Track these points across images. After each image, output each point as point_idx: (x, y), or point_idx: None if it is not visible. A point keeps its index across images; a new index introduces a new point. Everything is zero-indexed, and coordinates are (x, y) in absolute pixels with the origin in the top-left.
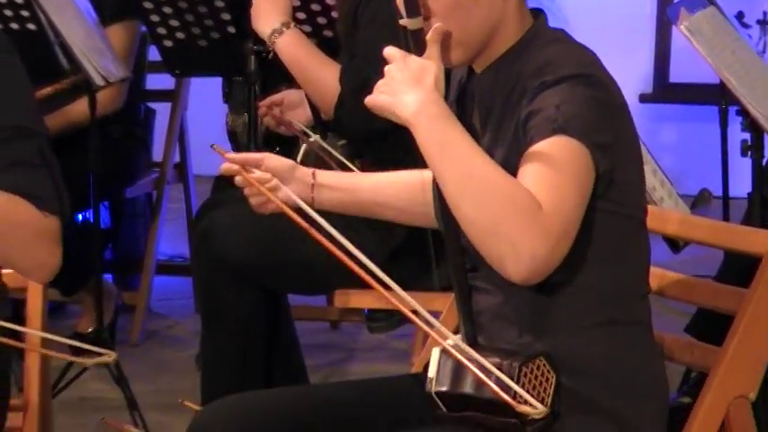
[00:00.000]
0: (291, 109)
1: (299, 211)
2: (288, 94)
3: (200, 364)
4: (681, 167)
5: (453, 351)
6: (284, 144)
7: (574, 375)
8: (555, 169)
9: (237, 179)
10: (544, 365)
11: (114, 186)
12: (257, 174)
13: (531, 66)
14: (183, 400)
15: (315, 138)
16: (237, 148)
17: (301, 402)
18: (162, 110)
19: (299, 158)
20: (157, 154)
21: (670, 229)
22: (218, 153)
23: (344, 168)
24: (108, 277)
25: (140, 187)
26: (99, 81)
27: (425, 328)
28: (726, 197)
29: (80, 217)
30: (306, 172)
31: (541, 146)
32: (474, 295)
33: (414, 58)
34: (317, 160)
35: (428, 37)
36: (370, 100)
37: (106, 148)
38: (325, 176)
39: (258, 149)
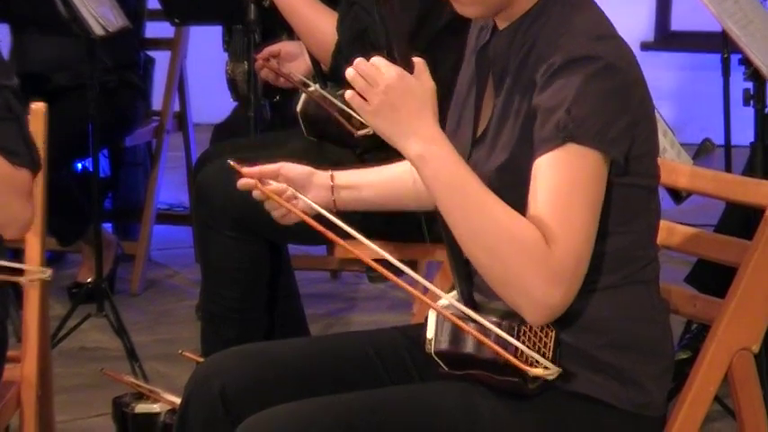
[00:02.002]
0: (290, 60)
1: (320, 216)
2: (285, 45)
3: (201, 315)
4: (682, 116)
5: (446, 313)
6: (284, 93)
7: (576, 333)
8: (564, 193)
9: (255, 194)
10: None
11: (113, 135)
12: (274, 186)
13: (548, 32)
14: (184, 350)
15: (314, 87)
16: (237, 96)
17: (303, 355)
18: (161, 58)
19: (299, 107)
20: (157, 103)
21: (674, 181)
22: (235, 169)
23: (345, 116)
24: (107, 226)
25: (140, 136)
26: (98, 30)
27: (416, 293)
28: (728, 146)
29: (79, 166)
30: (324, 176)
31: (549, 163)
32: None
33: (410, 79)
34: (317, 109)
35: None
36: (368, 120)
37: (105, 97)
38: (345, 176)
39: (257, 98)
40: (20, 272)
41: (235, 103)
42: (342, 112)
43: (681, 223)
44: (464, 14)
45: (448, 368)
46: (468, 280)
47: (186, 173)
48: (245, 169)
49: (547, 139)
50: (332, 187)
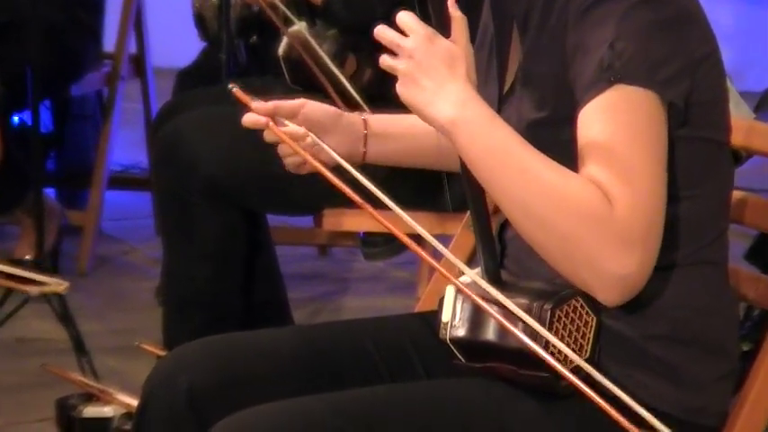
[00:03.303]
0: None
1: (340, 170)
2: None
3: (163, 299)
4: (743, 60)
5: (467, 290)
6: (263, 33)
7: (621, 319)
8: (621, 143)
9: (266, 134)
10: (582, 307)
11: (57, 82)
12: (291, 127)
13: None
14: (141, 342)
15: (299, 26)
16: (206, 36)
17: (285, 347)
18: None
19: (281, 50)
20: (109, 43)
21: (732, 139)
22: (236, 95)
23: (327, 73)
24: (50, 192)
25: (89, 83)
26: None
27: (432, 262)
28: None
29: (16, 119)
30: (355, 120)
31: (599, 110)
32: (497, 219)
33: (441, 41)
34: (299, 58)
35: (450, 6)
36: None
37: (47, 37)
38: (382, 123)
39: (230, 37)
40: None
41: (203, 44)
42: (326, 69)
43: (738, 189)
44: None
45: (465, 359)
46: (493, 254)
47: (145, 128)
48: (255, 102)
49: (590, 83)
50: (365, 136)
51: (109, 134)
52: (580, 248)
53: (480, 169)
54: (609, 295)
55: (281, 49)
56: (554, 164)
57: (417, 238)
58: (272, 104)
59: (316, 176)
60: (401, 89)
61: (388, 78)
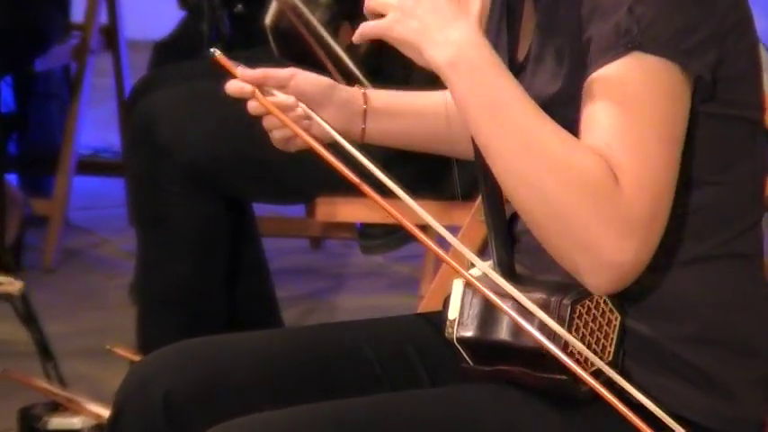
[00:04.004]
0: None
1: (335, 148)
2: None
3: (137, 297)
4: None
5: (478, 284)
6: (249, 1)
7: (646, 318)
8: (632, 115)
9: (251, 105)
10: (605, 303)
11: (20, 56)
12: (279, 97)
13: None
14: (113, 345)
15: None
16: (185, 4)
17: (274, 351)
18: None
19: (268, 19)
20: (78, 13)
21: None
22: (221, 64)
23: (322, 45)
24: (12, 179)
25: (55, 57)
26: None
27: (440, 253)
28: None
29: None
30: (353, 94)
31: (612, 76)
32: (508, 209)
33: None
34: (290, 28)
35: None
36: (379, 26)
37: (6, 5)
38: (384, 97)
39: (212, 6)
40: None
41: (182, 14)
42: (319, 39)
43: None
44: None
45: (473, 362)
46: (507, 245)
47: (117, 106)
48: (240, 69)
49: (605, 48)
50: (364, 111)
51: (77, 114)
52: (576, 225)
53: (477, 123)
54: (599, 281)
55: (268, 18)
56: (560, 130)
57: (421, 229)
58: (259, 72)
59: (308, 160)
60: (392, 25)
61: (387, 51)
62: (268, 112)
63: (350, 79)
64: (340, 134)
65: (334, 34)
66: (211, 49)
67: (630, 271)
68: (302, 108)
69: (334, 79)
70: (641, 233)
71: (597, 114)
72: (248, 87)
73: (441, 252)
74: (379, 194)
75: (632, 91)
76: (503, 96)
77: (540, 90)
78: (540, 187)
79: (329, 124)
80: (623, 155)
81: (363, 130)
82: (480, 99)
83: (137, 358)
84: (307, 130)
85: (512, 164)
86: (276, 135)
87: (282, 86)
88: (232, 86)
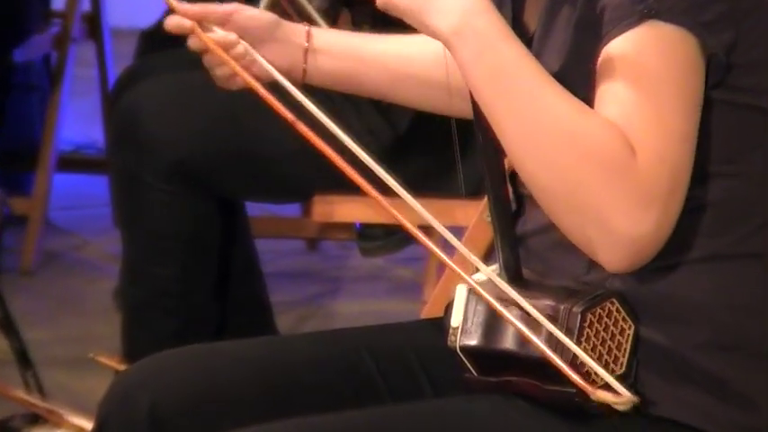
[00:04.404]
0: None
1: (277, 87)
2: None
3: (121, 302)
4: None
5: (481, 290)
6: None
7: (658, 325)
8: (649, 85)
9: (191, 41)
10: (617, 311)
11: None
12: (220, 34)
13: None
14: (97, 353)
15: None
16: None
17: (267, 360)
18: None
19: (262, 4)
20: (58, 0)
21: None
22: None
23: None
24: None
25: (35, 47)
26: None
27: (442, 256)
28: None
29: None
30: (296, 31)
31: (626, 46)
32: (525, 208)
33: None
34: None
35: None
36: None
37: None
38: (326, 37)
39: None
40: None
41: None
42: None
43: None
44: None
45: (477, 372)
46: (514, 247)
47: (101, 99)
48: (181, 5)
49: (619, 17)
50: (306, 50)
51: (58, 107)
52: (590, 198)
53: (484, 93)
54: (614, 257)
55: (262, 5)
56: (573, 99)
57: (423, 230)
58: (199, 7)
59: (304, 156)
60: None
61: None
62: (208, 49)
63: None
64: (283, 73)
65: (333, 23)
66: None
67: (648, 246)
68: (243, 45)
69: None
70: (660, 206)
71: (612, 86)
72: (188, 23)
73: (443, 255)
74: (378, 193)
75: (648, 61)
76: (511, 64)
77: (547, 66)
78: (551, 159)
79: (272, 62)
80: (640, 126)
81: (304, 69)
82: (486, 67)
83: (121, 368)
84: (247, 68)
85: (521, 135)
86: (217, 72)
87: (224, 23)
88: (171, 22)
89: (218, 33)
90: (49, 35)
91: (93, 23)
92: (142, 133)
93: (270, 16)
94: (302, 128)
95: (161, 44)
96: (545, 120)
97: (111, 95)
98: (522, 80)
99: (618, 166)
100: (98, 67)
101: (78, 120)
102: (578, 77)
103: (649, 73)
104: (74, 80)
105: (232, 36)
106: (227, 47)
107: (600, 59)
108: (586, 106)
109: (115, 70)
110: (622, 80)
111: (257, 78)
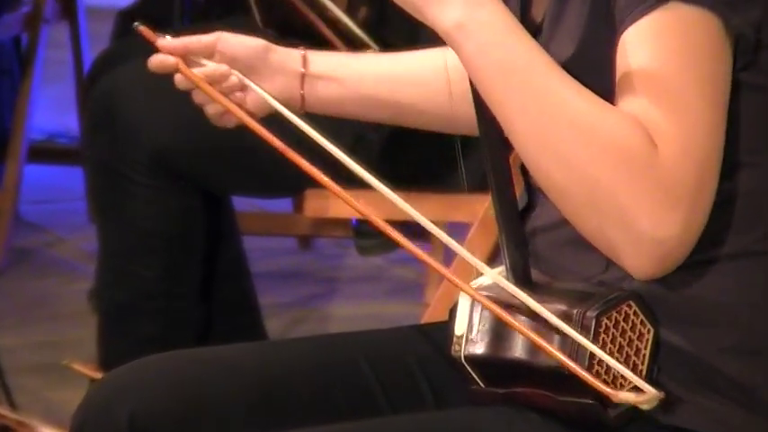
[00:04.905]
0: None
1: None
2: None
3: (98, 304)
4: None
5: (483, 299)
6: None
7: (680, 328)
8: (673, 74)
9: (178, 79)
10: (635, 315)
11: None
12: (210, 67)
13: None
14: (71, 360)
15: None
16: None
17: (257, 366)
18: None
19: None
20: None
21: None
22: (145, 38)
23: (315, 6)
24: None
25: (4, 27)
26: None
27: (437, 266)
28: None
29: None
30: (290, 57)
31: (644, 32)
32: (537, 201)
33: None
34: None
35: None
36: None
37: None
38: (324, 61)
39: None
40: None
41: None
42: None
43: None
44: None
45: (484, 384)
46: (521, 247)
47: (75, 84)
48: (162, 40)
49: (634, 1)
50: (302, 76)
51: (29, 93)
52: (610, 198)
53: (491, 90)
54: (639, 262)
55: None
56: (587, 92)
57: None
58: (182, 41)
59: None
60: None
61: (389, 17)
62: (196, 86)
63: (353, 44)
64: (281, 103)
65: None
66: (135, 25)
67: (675, 249)
68: (236, 76)
69: (334, 48)
70: (687, 204)
71: (630, 77)
72: (171, 59)
73: (430, 259)
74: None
75: (670, 46)
76: (518, 57)
77: (557, 55)
78: (567, 156)
79: (267, 92)
80: (663, 118)
81: (302, 96)
82: (492, 61)
83: (98, 376)
84: (243, 101)
85: (534, 133)
86: (209, 110)
87: (210, 54)
88: (153, 61)
89: (209, 66)
90: (20, 15)
91: (67, 2)
92: (120, 121)
93: (259, 42)
94: (292, 154)
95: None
96: (559, 116)
97: (86, 80)
98: (534, 75)
99: (639, 162)
100: (72, 49)
101: (51, 106)
102: (592, 64)
103: (669, 59)
104: (46, 64)
105: (223, 67)
106: (218, 80)
107: (618, 48)
108: (603, 100)
109: (91, 53)
110: (641, 69)
111: (253, 113)
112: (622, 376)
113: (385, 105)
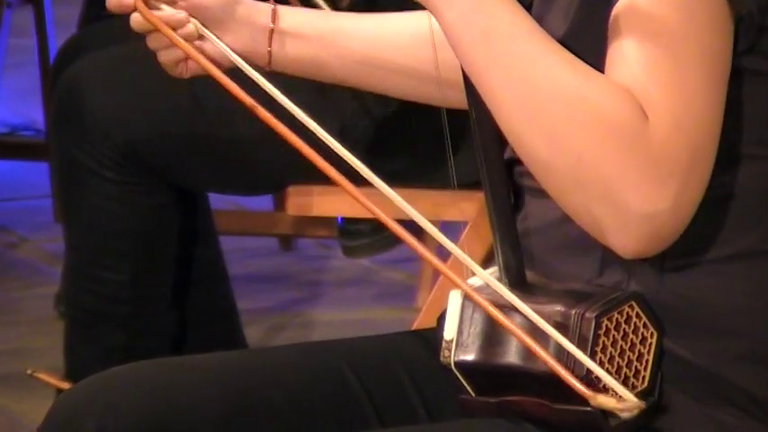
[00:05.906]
0: None
1: (237, 72)
2: None
3: (64, 310)
4: None
5: (477, 297)
6: None
7: (685, 335)
8: (665, 42)
9: (134, 20)
10: (637, 317)
11: None
12: (167, 12)
13: None
14: (35, 369)
15: None
16: None
17: (235, 376)
18: None
19: None
20: None
21: None
22: None
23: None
24: None
25: None
26: None
27: (434, 260)
28: None
29: None
30: (259, 9)
31: (640, 6)
32: (524, 202)
33: None
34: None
35: None
36: None
37: None
38: (296, 18)
39: None
40: None
41: None
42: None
43: None
44: None
45: (476, 392)
46: (515, 245)
47: (40, 73)
48: None
49: None
50: (271, 31)
51: None
52: (595, 171)
53: (473, 61)
54: (625, 238)
55: None
56: (575, 61)
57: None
58: None
59: (276, 139)
60: None
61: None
62: (154, 28)
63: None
64: (243, 58)
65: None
66: None
67: (665, 227)
68: (194, 24)
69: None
70: (678, 180)
71: (622, 45)
72: (129, 0)
73: (428, 253)
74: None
75: (665, 16)
76: (505, 25)
77: (551, 30)
78: (550, 128)
79: (229, 45)
80: (656, 89)
81: (269, 53)
82: (477, 30)
83: (64, 386)
84: (200, 50)
85: (516, 104)
86: (163, 57)
87: (172, 0)
88: (112, 1)
89: (166, 11)
90: None
91: None
92: (87, 113)
93: None
94: (264, 113)
95: (108, 12)
96: (543, 84)
97: (51, 69)
98: (518, 42)
99: (627, 133)
100: (37, 35)
101: (14, 97)
102: (586, 42)
103: (665, 29)
104: (8, 51)
105: (181, 14)
106: (174, 26)
107: (611, 20)
108: (592, 69)
109: (56, 40)
110: (633, 38)
111: (213, 61)
112: (625, 380)
113: (362, 68)
